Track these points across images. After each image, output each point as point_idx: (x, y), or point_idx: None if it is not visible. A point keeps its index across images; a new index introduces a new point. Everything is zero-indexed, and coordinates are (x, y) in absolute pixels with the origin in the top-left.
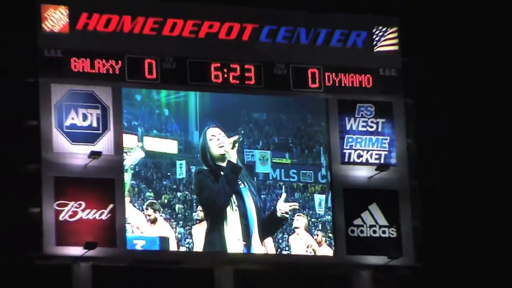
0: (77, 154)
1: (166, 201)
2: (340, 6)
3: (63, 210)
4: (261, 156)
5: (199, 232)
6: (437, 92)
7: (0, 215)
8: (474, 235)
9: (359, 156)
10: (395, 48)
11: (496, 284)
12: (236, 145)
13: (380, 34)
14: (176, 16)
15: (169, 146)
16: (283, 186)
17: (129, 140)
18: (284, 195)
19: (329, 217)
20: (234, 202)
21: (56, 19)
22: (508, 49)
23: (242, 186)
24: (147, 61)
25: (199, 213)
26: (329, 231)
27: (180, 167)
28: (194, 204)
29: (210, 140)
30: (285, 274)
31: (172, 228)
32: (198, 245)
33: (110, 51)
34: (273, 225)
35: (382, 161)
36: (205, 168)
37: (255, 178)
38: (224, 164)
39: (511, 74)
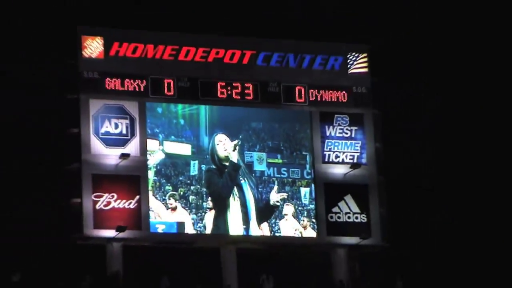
0: (110, 156)
1: (181, 193)
2: (321, 35)
3: (99, 200)
4: (258, 157)
5: (209, 218)
6: (400, 105)
7: (48, 205)
8: (431, 220)
9: (337, 156)
10: (365, 70)
11: (444, 259)
12: (237, 148)
13: (353, 59)
14: (189, 44)
15: (184, 149)
16: (276, 181)
17: (152, 144)
18: (276, 187)
19: (312, 206)
20: (236, 194)
21: (93, 48)
22: (452, 73)
23: (242, 181)
24: (166, 80)
25: (209, 203)
26: (312, 217)
27: (193, 166)
28: (204, 195)
29: (217, 144)
30: (278, 251)
31: (187, 214)
32: (208, 229)
33: (136, 73)
34: (267, 212)
35: (355, 161)
36: (213, 167)
37: (253, 174)
38: (227, 164)
39: (456, 92)
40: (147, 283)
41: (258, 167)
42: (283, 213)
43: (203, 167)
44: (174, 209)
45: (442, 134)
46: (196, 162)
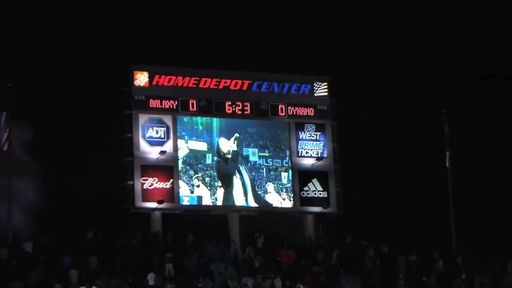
0: (152, 152)
1: (201, 175)
2: (296, 69)
3: (145, 182)
4: (252, 152)
5: (220, 194)
6: (350, 117)
7: (112, 185)
8: (371, 196)
9: (307, 152)
10: (326, 93)
11: (380, 221)
12: (236, 141)
13: (318, 86)
14: (207, 76)
15: (202, 146)
16: (264, 168)
17: (180, 143)
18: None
19: (289, 185)
20: (238, 176)
21: (141, 79)
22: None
23: (241, 168)
24: (191, 101)
25: (219, 183)
26: (289, 193)
27: (208, 158)
28: (215, 177)
29: (221, 145)
30: (266, 217)
31: (207, 190)
32: (219, 201)
33: (170, 96)
34: (262, 192)
35: (319, 155)
36: (220, 159)
37: (248, 163)
38: (229, 156)
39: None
40: (178, 239)
41: (252, 158)
42: (268, 190)
43: (215, 158)
44: (198, 186)
45: (380, 135)
46: (210, 155)
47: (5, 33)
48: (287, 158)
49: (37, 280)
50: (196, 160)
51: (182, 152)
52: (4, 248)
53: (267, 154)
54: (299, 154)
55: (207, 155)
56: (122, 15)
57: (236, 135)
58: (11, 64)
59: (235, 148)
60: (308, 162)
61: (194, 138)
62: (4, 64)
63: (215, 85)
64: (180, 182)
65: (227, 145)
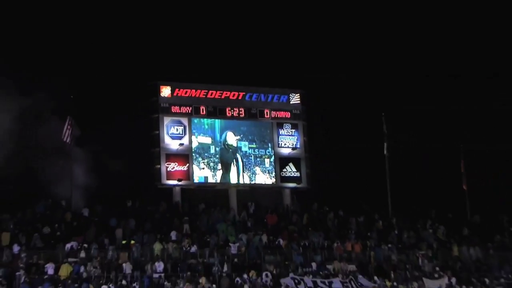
0: (174, 144)
1: (207, 161)
2: (277, 84)
3: (169, 166)
4: (244, 144)
5: (219, 174)
6: (316, 118)
7: (145, 168)
8: (334, 175)
9: (285, 144)
10: (299, 102)
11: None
12: (237, 140)
13: (293, 96)
14: (212, 89)
15: (207, 140)
16: (252, 156)
17: (193, 138)
18: (262, 174)
19: (271, 168)
20: (235, 163)
21: (165, 91)
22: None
23: (237, 155)
24: (201, 107)
25: (220, 165)
26: (271, 174)
27: (212, 148)
28: (217, 163)
29: (228, 137)
30: (256, 191)
31: (210, 172)
32: (218, 180)
33: (186, 103)
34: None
35: (294, 146)
36: (224, 147)
37: (242, 152)
38: (231, 149)
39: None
40: (192, 206)
41: (244, 149)
42: (256, 172)
43: (217, 148)
44: (203, 168)
45: (337, 131)
46: (213, 146)
47: (66, 63)
48: (270, 148)
49: (92, 236)
50: (203, 150)
51: (194, 145)
52: (69, 213)
53: (255, 146)
54: (279, 146)
55: (211, 146)
56: (152, 47)
57: (238, 136)
58: (72, 80)
59: (235, 145)
60: (286, 151)
61: (201, 134)
62: (68, 81)
63: (218, 95)
64: (194, 166)
65: (232, 139)
